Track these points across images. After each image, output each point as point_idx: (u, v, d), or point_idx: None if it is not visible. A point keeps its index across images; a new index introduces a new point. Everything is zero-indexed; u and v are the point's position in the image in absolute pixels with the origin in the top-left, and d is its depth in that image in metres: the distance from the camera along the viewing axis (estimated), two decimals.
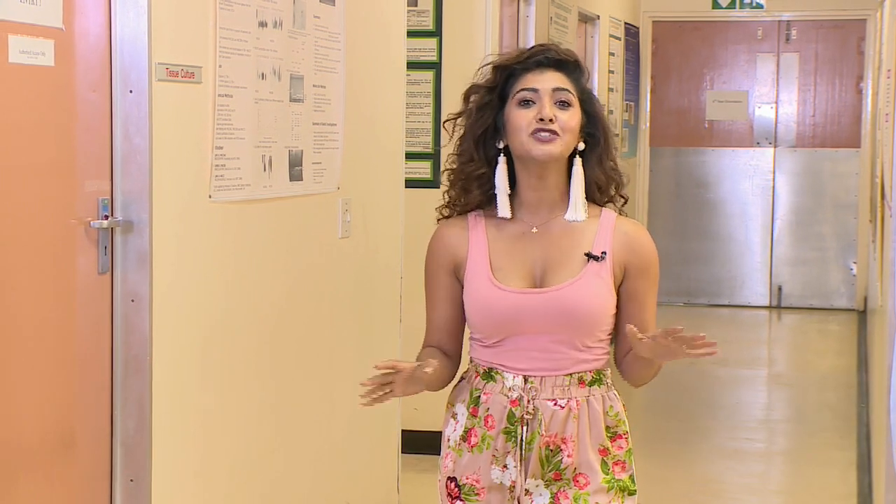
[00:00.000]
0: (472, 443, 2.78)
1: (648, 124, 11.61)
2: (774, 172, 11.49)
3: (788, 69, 11.46)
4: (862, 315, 10.61)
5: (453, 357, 2.85)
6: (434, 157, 6.30)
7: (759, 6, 11.35)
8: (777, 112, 11.50)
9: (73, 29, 3.07)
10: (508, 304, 2.72)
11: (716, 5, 11.48)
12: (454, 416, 2.83)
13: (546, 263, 2.74)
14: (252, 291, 3.81)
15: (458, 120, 2.84)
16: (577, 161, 2.76)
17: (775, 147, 11.50)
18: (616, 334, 2.78)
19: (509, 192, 2.77)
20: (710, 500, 5.97)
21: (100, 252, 3.20)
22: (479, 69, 2.83)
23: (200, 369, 3.53)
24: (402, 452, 5.15)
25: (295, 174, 4.01)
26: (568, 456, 2.73)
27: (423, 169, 6.32)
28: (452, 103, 2.93)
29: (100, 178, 3.19)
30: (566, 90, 2.74)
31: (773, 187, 11.50)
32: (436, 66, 6.36)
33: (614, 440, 2.77)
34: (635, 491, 2.80)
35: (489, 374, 2.77)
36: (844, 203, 11.30)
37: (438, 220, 2.87)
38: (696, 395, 8.23)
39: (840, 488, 6.08)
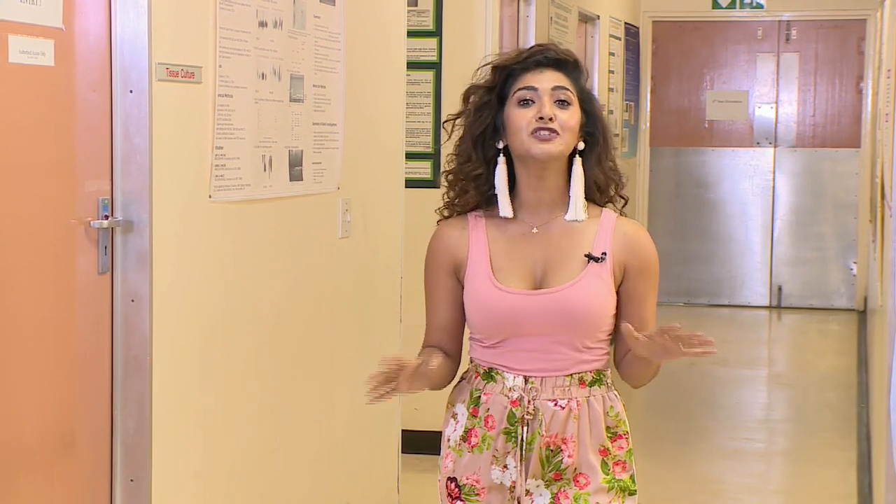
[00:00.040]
0: (472, 443, 2.77)
1: (648, 124, 11.61)
2: (774, 172, 11.50)
3: (788, 69, 11.46)
4: (862, 315, 10.61)
5: (453, 357, 2.85)
6: (434, 157, 6.31)
7: (759, 6, 11.35)
8: (777, 112, 11.50)
9: (73, 29, 3.07)
10: (509, 305, 2.72)
11: (716, 5, 11.48)
12: (454, 416, 2.83)
13: (546, 264, 2.74)
14: (252, 291, 3.81)
15: (458, 120, 2.84)
16: (577, 161, 2.76)
17: (775, 147, 11.50)
18: (616, 335, 2.78)
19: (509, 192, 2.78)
20: (710, 500, 5.97)
21: (100, 252, 3.20)
22: (477, 69, 2.83)
23: (200, 369, 3.53)
24: (402, 452, 5.15)
25: (295, 174, 4.01)
26: (568, 456, 2.73)
27: (423, 169, 6.32)
28: (452, 103, 2.93)
29: (100, 178, 3.19)
30: (565, 89, 2.74)
31: (773, 187, 11.50)
32: (436, 66, 6.36)
33: (615, 440, 2.77)
34: (636, 491, 2.80)
35: (489, 375, 2.77)
36: (844, 203, 11.31)
37: (438, 221, 2.87)
38: (696, 395, 8.23)
39: (840, 488, 6.08)
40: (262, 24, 3.74)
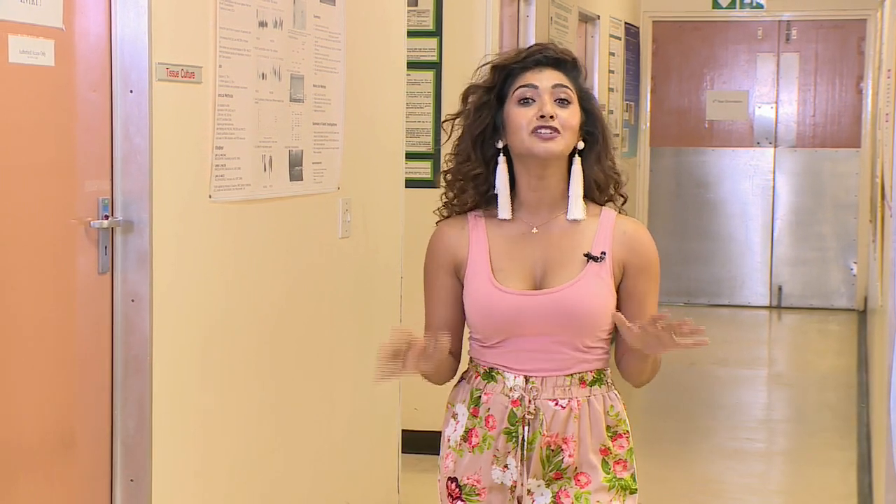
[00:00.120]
0: (472, 443, 2.78)
1: (648, 124, 11.61)
2: (774, 172, 11.49)
3: (788, 69, 11.46)
4: (862, 315, 10.61)
5: (454, 356, 2.85)
6: (434, 157, 6.30)
7: (760, 6, 11.35)
8: (777, 112, 11.50)
9: (74, 29, 3.07)
10: (509, 305, 2.72)
11: (716, 5, 11.48)
12: (454, 416, 2.83)
13: (546, 264, 2.74)
14: (252, 291, 3.81)
15: (457, 120, 2.84)
16: (577, 160, 2.76)
17: (775, 147, 11.50)
18: (616, 334, 2.78)
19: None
20: (710, 500, 5.97)
21: (100, 252, 3.20)
22: (477, 69, 2.83)
23: (200, 369, 3.53)
24: (402, 452, 5.15)
25: (295, 174, 4.01)
26: (569, 456, 2.73)
27: (423, 169, 6.32)
28: (452, 103, 2.93)
29: (100, 178, 3.19)
30: (566, 87, 2.74)
31: (774, 187, 11.50)
32: (436, 66, 6.36)
33: (615, 440, 2.77)
34: (636, 490, 2.80)
35: (490, 375, 2.77)
36: (844, 203, 11.30)
37: (437, 221, 2.87)
38: (696, 395, 8.23)
39: (840, 488, 6.08)
40: (263, 24, 3.74)
